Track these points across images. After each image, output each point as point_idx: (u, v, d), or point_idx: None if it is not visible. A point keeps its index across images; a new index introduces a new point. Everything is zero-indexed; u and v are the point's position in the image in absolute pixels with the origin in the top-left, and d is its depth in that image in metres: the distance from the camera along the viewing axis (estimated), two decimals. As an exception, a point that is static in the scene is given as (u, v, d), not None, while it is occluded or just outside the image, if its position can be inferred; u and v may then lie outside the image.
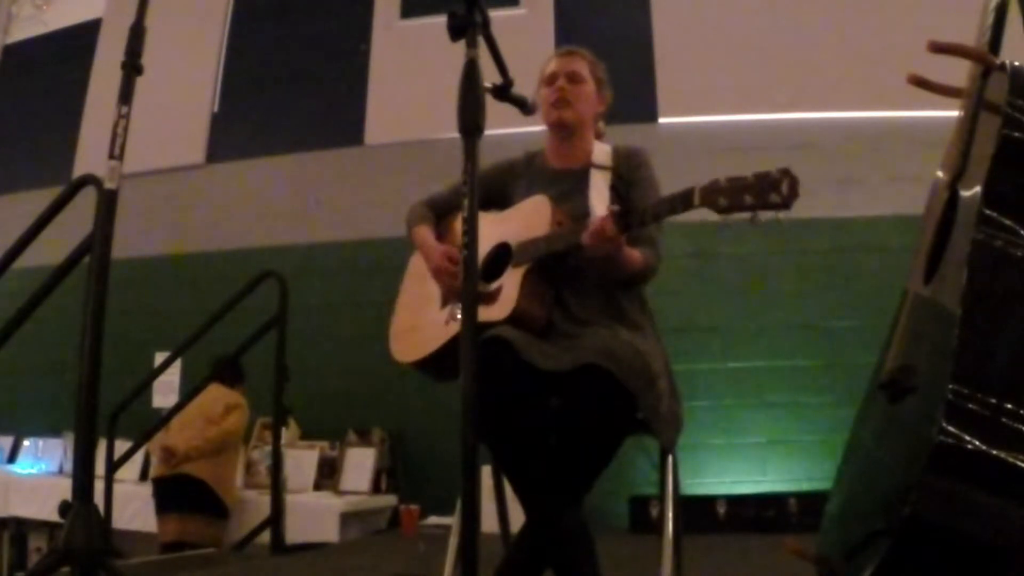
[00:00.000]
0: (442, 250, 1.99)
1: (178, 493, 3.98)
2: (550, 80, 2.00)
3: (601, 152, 1.98)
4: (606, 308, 1.85)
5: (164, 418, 3.99)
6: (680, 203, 1.61)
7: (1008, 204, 1.17)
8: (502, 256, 1.89)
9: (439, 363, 1.95)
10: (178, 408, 3.98)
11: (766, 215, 1.51)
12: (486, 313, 1.77)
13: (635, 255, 1.80)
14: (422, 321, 2.03)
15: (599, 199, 1.87)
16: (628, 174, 1.94)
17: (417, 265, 2.13)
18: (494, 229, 1.92)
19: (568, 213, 1.88)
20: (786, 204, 1.48)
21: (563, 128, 1.99)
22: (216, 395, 4.21)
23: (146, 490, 4.50)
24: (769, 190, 1.49)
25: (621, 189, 1.92)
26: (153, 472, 4.09)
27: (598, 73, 2.04)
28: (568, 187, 1.96)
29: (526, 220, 1.89)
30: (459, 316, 1.58)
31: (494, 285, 1.86)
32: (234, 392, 4.33)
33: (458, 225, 2.07)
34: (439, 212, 2.13)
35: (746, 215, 1.52)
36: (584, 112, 2.00)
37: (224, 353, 4.13)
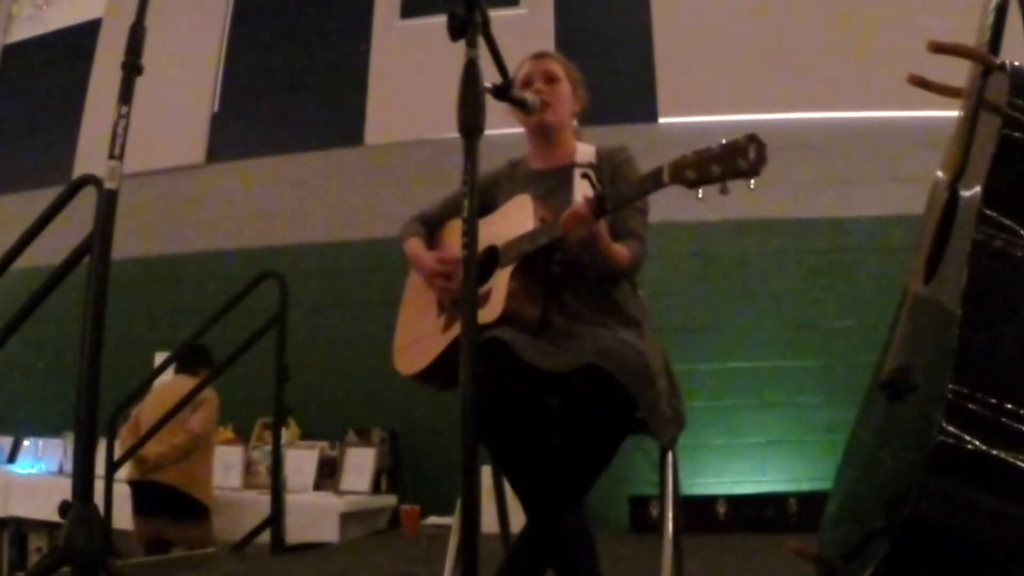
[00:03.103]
0: (433, 255, 2.00)
1: (152, 499, 3.93)
2: (525, 83, 1.99)
3: (585, 152, 1.99)
4: (604, 305, 1.85)
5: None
6: (651, 182, 1.62)
7: (1008, 204, 1.17)
8: (490, 259, 1.89)
9: (441, 370, 1.94)
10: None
11: (737, 183, 1.49)
12: (478, 316, 1.77)
13: (619, 248, 1.81)
14: (422, 332, 2.03)
15: (583, 194, 1.87)
16: (612, 171, 1.95)
17: (415, 281, 2.14)
18: (481, 234, 1.91)
19: (554, 210, 1.87)
20: (754, 170, 1.47)
21: (544, 130, 2.00)
22: (182, 389, 4.01)
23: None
24: (736, 157, 1.48)
25: (607, 187, 1.92)
26: (127, 474, 3.99)
27: (572, 73, 2.05)
28: (552, 185, 1.96)
29: (510, 220, 1.89)
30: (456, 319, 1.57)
31: (483, 288, 1.85)
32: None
33: (448, 236, 2.08)
34: (431, 226, 2.13)
35: (716, 186, 1.50)
36: (563, 112, 2.00)
37: (188, 341, 4.01)
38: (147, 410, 4.07)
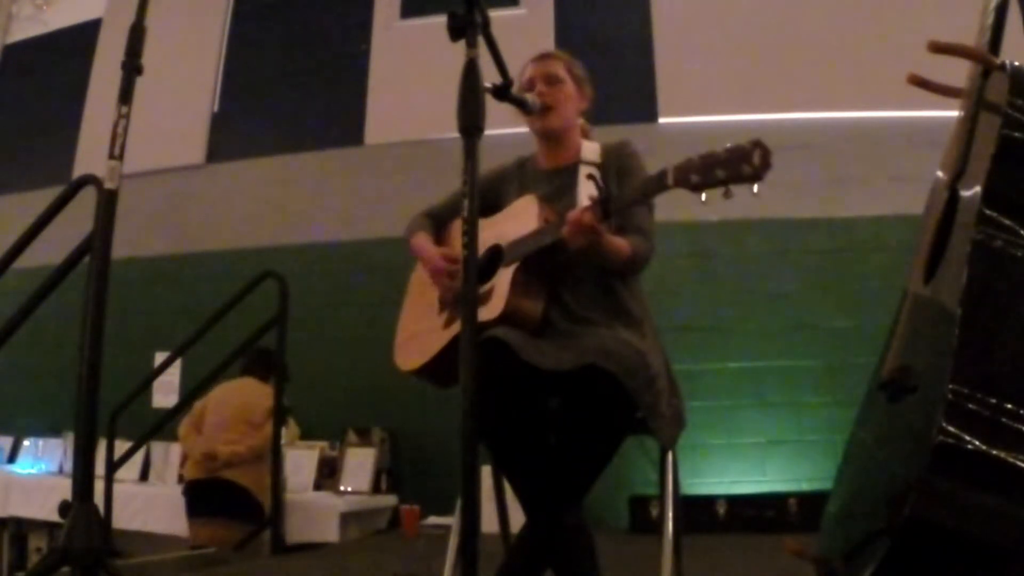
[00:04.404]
0: (440, 251, 2.00)
1: (217, 498, 3.80)
2: (528, 86, 1.99)
3: (590, 150, 1.99)
4: (604, 305, 1.85)
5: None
6: (654, 185, 1.61)
7: (1008, 204, 1.17)
8: (494, 258, 1.90)
9: (440, 367, 1.95)
10: (199, 406, 3.90)
11: (740, 188, 1.49)
12: (480, 314, 1.77)
13: (620, 243, 1.80)
14: (422, 328, 2.04)
15: (588, 196, 1.87)
16: (618, 167, 1.95)
17: (418, 278, 2.14)
18: (486, 233, 1.91)
19: (561, 210, 1.87)
20: (758, 175, 1.46)
21: (549, 134, 2.00)
22: (257, 393, 4.01)
23: (146, 490, 4.50)
24: (740, 162, 1.48)
25: (613, 183, 1.92)
26: (189, 474, 3.92)
27: (576, 71, 2.04)
28: (560, 184, 1.97)
29: (516, 220, 1.90)
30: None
31: (486, 286, 1.86)
32: (271, 389, 4.07)
33: (456, 231, 2.08)
34: (439, 221, 2.13)
35: (720, 190, 1.50)
36: (567, 113, 2.00)
37: (262, 345, 3.98)
38: (212, 408, 4.03)
